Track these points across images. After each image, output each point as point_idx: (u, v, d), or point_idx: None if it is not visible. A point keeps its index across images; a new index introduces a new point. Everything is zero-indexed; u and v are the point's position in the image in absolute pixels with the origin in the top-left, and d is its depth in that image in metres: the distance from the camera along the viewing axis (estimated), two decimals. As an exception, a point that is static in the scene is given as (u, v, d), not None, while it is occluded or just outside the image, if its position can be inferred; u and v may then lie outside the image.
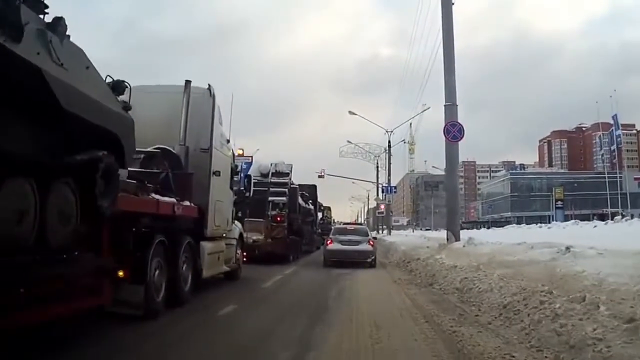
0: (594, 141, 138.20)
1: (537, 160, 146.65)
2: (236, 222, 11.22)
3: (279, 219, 15.53)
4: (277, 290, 9.40)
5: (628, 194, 66.58)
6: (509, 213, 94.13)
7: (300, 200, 18.74)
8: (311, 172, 46.75)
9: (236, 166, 14.72)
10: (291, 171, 16.54)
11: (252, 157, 28.37)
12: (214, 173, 8.75)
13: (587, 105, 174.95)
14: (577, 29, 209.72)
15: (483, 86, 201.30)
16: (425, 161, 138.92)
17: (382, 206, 48.61)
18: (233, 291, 9.05)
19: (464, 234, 29.00)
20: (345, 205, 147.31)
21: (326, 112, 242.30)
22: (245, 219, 17.40)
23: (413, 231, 61.88)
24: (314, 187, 25.66)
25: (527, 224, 46.32)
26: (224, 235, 9.80)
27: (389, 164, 39.97)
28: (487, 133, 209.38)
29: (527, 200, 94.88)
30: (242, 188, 11.74)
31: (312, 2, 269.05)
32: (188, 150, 8.58)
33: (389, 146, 39.92)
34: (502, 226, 66.94)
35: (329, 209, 45.91)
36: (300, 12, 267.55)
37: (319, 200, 40.44)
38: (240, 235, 11.30)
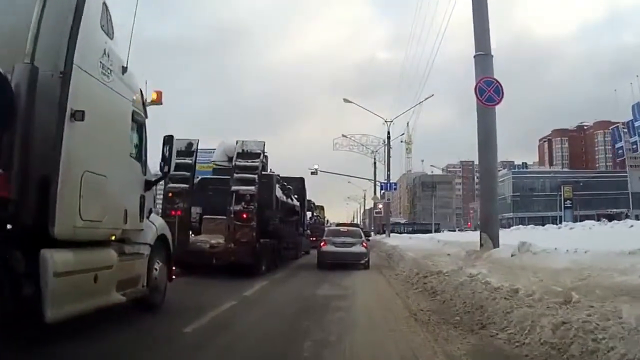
0: (596, 140, 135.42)
1: (537, 159, 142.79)
2: (154, 217, 6.93)
3: (244, 216, 11.18)
4: (203, 342, 5.02)
5: (631, 194, 63.25)
6: (511, 214, 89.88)
7: (279, 192, 14.40)
8: (308, 172, 42.62)
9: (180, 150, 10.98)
10: (264, 151, 12.15)
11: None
12: (72, 115, 4.45)
13: (586, 107, 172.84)
14: (575, 32, 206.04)
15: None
16: (423, 161, 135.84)
17: (380, 205, 44.31)
18: (111, 343, 4.71)
19: (467, 236, 24.80)
20: (341, 205, 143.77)
21: (325, 113, 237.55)
22: (204, 217, 13.27)
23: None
24: (301, 180, 21.28)
25: (537, 225, 42.37)
26: (114, 237, 5.49)
27: (389, 157, 35.61)
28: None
29: (529, 200, 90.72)
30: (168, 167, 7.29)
31: (311, 9, 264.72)
32: (38, 73, 4.35)
33: (388, 137, 35.59)
34: (504, 227, 62.80)
35: (322, 208, 41.75)
36: (300, 18, 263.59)
37: (311, 199, 36.39)
38: (163, 238, 6.95)
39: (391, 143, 36.32)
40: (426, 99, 35.76)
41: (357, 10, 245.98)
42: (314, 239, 25.13)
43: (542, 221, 57.94)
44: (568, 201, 71.71)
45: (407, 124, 45.05)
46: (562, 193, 71.66)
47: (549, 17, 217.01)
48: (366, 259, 14.72)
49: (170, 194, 11.63)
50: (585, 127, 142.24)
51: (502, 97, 10.40)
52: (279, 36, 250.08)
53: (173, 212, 11.59)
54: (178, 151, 12.30)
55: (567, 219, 58.47)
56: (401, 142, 56.42)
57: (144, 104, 6.33)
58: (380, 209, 45.34)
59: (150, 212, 6.64)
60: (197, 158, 12.28)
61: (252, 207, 11.23)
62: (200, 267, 11.23)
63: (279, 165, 38.97)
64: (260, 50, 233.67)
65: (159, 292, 6.60)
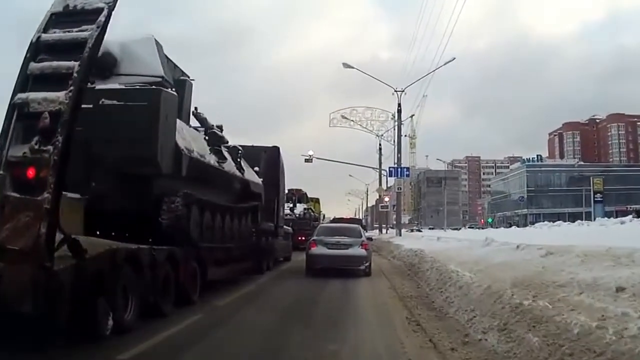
0: (609, 133, 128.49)
1: (547, 154, 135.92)
2: None
3: (29, 174, 3.83)
4: None
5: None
6: (525, 210, 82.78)
7: (195, 143, 6.95)
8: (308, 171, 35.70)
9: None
10: (112, 7, 4.63)
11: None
12: None
13: (587, 105, 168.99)
14: (575, 32, 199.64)
15: (483, 88, 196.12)
16: (427, 156, 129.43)
17: (387, 198, 36.96)
18: None
19: (534, 233, 17.65)
20: (342, 202, 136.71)
21: (327, 112, 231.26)
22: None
23: (419, 230, 51.38)
24: (274, 150, 13.96)
25: (562, 222, 35.57)
26: None
27: (399, 135, 28.10)
28: (490, 130, 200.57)
29: (546, 195, 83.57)
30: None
31: (313, 10, 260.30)
32: None
33: (399, 111, 28.09)
34: (519, 226, 55.52)
35: (317, 201, 34.66)
36: (301, 18, 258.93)
37: (301, 188, 29.16)
38: None
39: (403, 120, 28.99)
40: (446, 63, 28.27)
41: (359, 10, 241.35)
42: (302, 238, 19.01)
43: (558, 217, 51.18)
44: (598, 195, 64.13)
45: (411, 117, 38.00)
46: (591, 186, 64.03)
47: (549, 16, 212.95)
48: (367, 264, 12.56)
49: None
50: (597, 121, 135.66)
51: None
52: (281, 36, 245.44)
53: None
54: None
55: (598, 214, 51.02)
56: (405, 136, 49.71)
57: None
58: (386, 202, 38.00)
59: None
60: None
61: (49, 152, 3.81)
62: None
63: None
64: (262, 50, 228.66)
65: None
